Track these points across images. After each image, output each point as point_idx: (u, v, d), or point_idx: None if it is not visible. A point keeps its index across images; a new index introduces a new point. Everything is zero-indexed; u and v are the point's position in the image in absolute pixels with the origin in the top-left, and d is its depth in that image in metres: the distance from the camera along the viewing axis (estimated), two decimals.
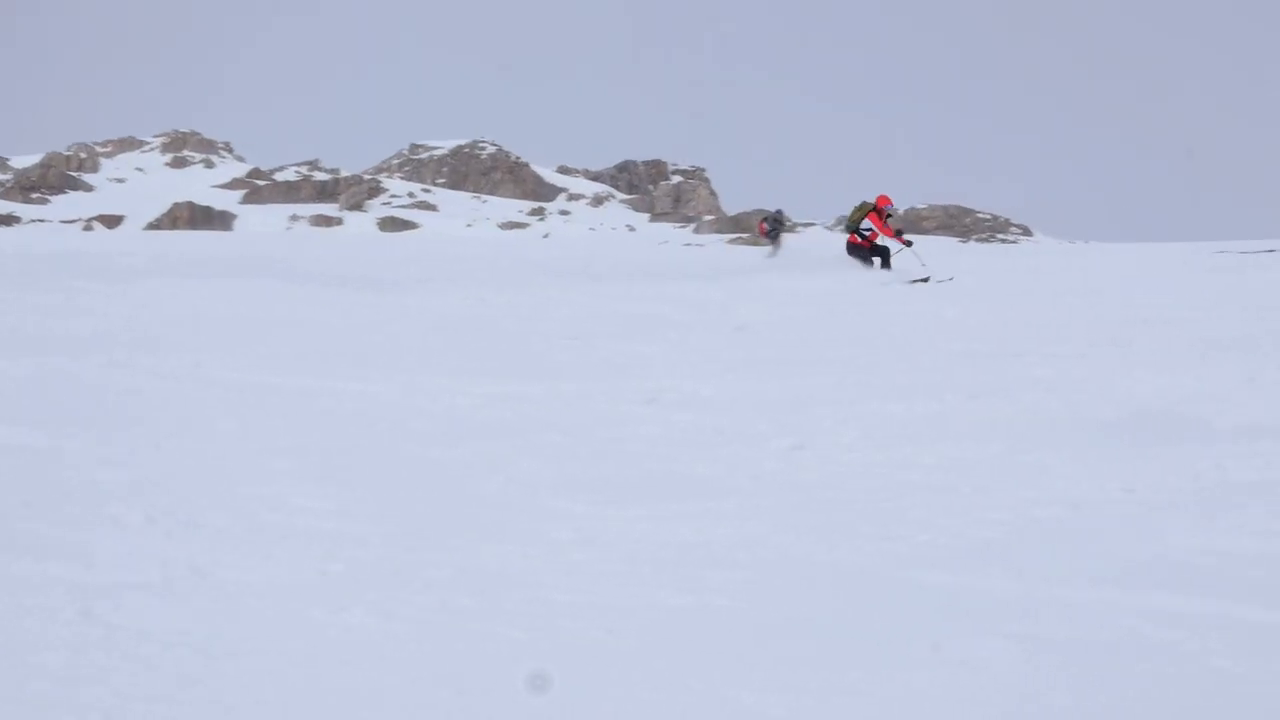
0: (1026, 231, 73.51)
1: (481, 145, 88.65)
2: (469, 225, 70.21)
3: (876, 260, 26.03)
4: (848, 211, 26.71)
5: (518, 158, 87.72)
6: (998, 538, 6.48)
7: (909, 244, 26.22)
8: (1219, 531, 6.39)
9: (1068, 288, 21.38)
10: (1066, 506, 7.07)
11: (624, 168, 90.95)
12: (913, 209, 72.96)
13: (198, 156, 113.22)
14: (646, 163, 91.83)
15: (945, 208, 73.73)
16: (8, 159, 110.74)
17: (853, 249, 26.43)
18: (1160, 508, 6.96)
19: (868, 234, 26.21)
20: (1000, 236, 70.39)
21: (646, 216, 78.69)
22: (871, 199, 26.39)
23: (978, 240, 66.88)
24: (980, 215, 74.19)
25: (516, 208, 77.98)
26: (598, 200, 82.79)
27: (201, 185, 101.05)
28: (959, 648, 4.86)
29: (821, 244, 46.17)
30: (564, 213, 78.10)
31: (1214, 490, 7.32)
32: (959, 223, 72.48)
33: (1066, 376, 11.53)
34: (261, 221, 77.77)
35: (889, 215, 26.00)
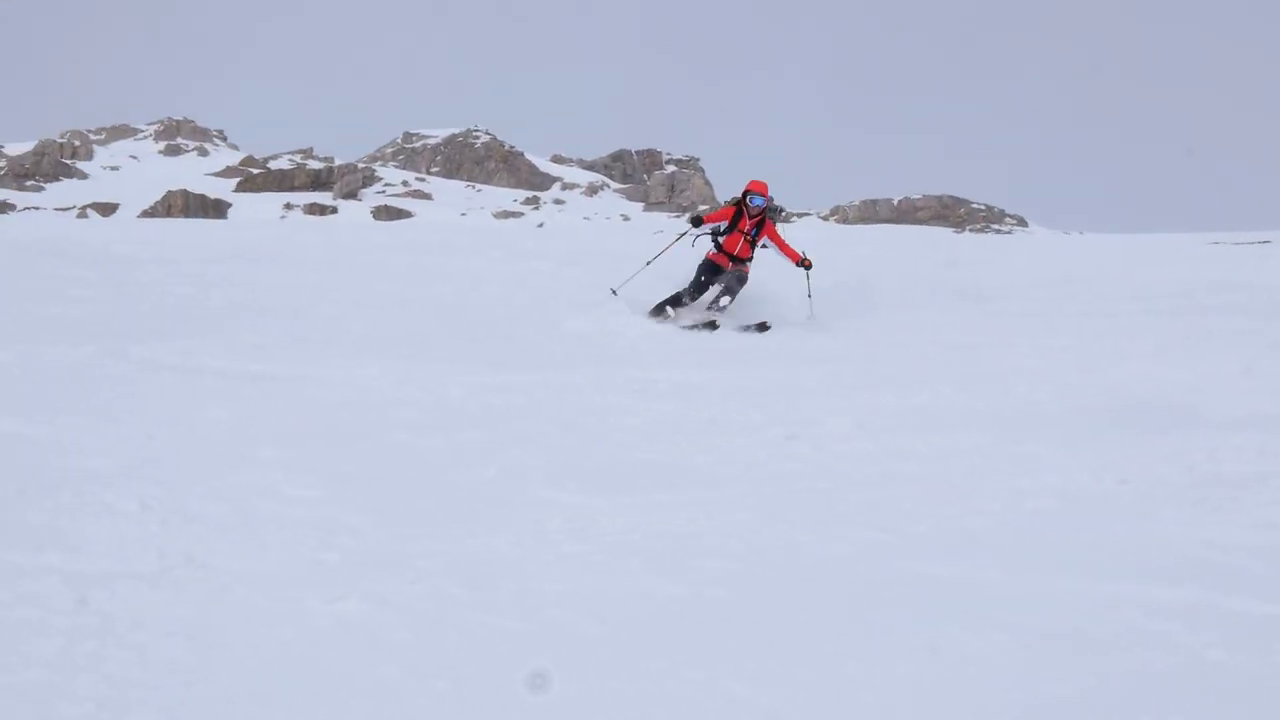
0: (1021, 222, 73.44)
1: (475, 134, 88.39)
2: (463, 214, 70.05)
3: (716, 290, 15.85)
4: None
5: (511, 147, 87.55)
6: (990, 528, 6.50)
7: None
8: (1213, 523, 6.42)
9: (1062, 277, 21.37)
10: (1059, 497, 7.08)
11: (618, 157, 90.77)
12: (907, 199, 72.85)
13: (191, 144, 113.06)
14: (641, 152, 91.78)
15: (939, 198, 73.60)
16: (1, 146, 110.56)
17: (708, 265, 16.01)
18: (1154, 499, 6.98)
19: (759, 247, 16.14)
20: (995, 227, 70.32)
21: (641, 205, 78.57)
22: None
23: (972, 231, 66.79)
24: (975, 206, 74.11)
25: (511, 197, 77.80)
26: (592, 189, 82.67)
27: (195, 173, 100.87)
28: (953, 640, 4.87)
29: (817, 231, 46.07)
30: (559, 202, 77.94)
31: (1208, 481, 7.33)
32: (953, 213, 72.40)
33: (1058, 367, 11.55)
34: (256, 210, 77.59)
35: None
